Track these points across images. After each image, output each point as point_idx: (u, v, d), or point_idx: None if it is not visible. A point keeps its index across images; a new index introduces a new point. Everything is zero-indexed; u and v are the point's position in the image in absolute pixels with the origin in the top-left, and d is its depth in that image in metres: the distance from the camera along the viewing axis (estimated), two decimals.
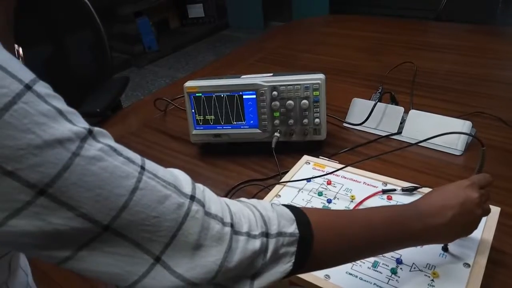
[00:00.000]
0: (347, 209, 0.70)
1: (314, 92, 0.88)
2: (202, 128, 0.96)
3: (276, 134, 0.92)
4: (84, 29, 1.47)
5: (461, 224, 0.54)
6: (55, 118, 0.31)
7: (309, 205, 0.72)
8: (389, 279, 0.58)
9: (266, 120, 0.92)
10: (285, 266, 0.42)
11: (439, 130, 0.65)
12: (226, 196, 0.84)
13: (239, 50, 1.88)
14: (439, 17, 1.77)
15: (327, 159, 0.85)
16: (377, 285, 0.57)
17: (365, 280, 0.58)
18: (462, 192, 0.54)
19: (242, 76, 0.94)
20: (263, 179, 0.88)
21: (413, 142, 0.73)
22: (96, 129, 0.34)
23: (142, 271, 0.35)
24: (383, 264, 0.60)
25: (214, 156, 0.98)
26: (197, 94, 0.93)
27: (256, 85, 0.90)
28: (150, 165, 0.37)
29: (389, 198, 0.72)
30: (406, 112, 0.99)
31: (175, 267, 0.35)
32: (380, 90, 1.06)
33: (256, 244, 0.39)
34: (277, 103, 0.90)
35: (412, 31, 1.65)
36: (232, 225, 0.39)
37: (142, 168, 0.35)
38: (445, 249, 0.61)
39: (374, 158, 0.81)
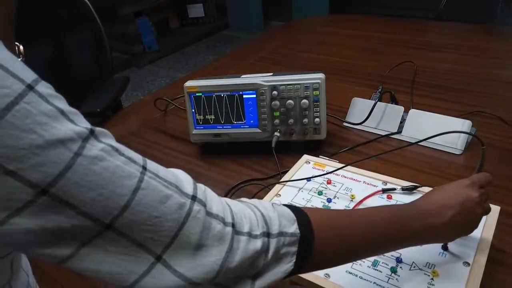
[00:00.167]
0: (347, 208, 0.71)
1: (314, 92, 0.88)
2: (202, 127, 0.96)
3: (276, 133, 0.92)
4: (84, 29, 1.47)
5: (461, 223, 0.54)
6: (57, 118, 0.31)
7: (309, 205, 0.72)
8: (389, 278, 0.58)
9: (266, 120, 0.92)
10: (286, 266, 0.42)
11: (439, 129, 0.65)
12: (226, 195, 0.84)
13: (239, 50, 1.89)
14: (439, 17, 1.77)
15: (327, 158, 0.85)
16: (377, 284, 0.57)
17: (365, 279, 0.58)
18: (462, 191, 0.54)
19: (242, 76, 0.94)
20: (263, 178, 0.88)
21: (413, 141, 0.74)
22: (98, 129, 0.34)
23: (143, 270, 0.35)
24: (383, 263, 0.60)
25: (214, 156, 0.98)
26: (197, 94, 0.93)
27: (256, 85, 0.90)
28: (151, 165, 0.37)
29: (389, 198, 0.72)
30: (406, 111, 0.99)
31: (176, 267, 0.35)
32: (380, 90, 1.06)
33: (257, 244, 0.39)
34: (277, 102, 0.90)
35: (412, 31, 1.65)
36: (233, 225, 0.39)
37: (144, 168, 0.35)
38: (445, 248, 0.61)
39: (374, 157, 0.81)
